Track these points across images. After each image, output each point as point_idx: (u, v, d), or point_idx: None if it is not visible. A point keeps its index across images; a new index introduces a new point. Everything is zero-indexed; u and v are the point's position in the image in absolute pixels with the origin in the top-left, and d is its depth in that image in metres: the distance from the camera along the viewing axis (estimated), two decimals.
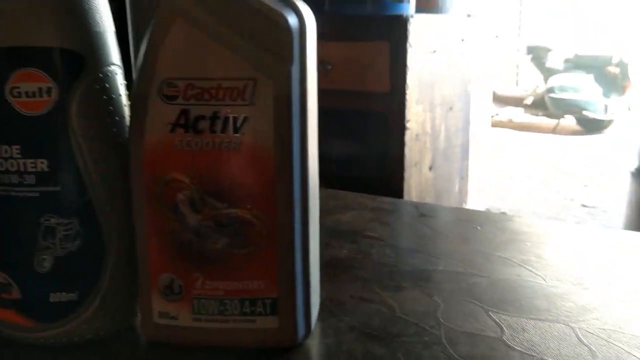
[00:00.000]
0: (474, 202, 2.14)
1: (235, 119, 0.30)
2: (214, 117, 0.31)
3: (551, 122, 5.02)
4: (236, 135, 0.31)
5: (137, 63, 0.31)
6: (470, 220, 0.58)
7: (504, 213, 2.85)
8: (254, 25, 0.30)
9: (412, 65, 1.46)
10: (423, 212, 0.61)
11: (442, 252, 0.50)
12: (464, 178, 1.90)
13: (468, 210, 0.62)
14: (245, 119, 0.30)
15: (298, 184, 0.32)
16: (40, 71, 0.31)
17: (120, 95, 0.34)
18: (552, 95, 5.16)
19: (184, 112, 0.31)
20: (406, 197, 1.51)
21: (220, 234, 0.32)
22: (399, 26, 1.44)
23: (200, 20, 0.30)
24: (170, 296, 0.33)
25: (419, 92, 1.50)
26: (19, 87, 0.31)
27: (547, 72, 5.42)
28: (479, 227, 0.55)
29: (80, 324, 0.34)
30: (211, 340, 0.34)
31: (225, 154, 0.31)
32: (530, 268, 0.45)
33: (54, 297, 0.33)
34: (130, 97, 0.32)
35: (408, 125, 1.48)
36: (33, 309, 0.34)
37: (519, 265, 0.46)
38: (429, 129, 1.59)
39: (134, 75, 0.33)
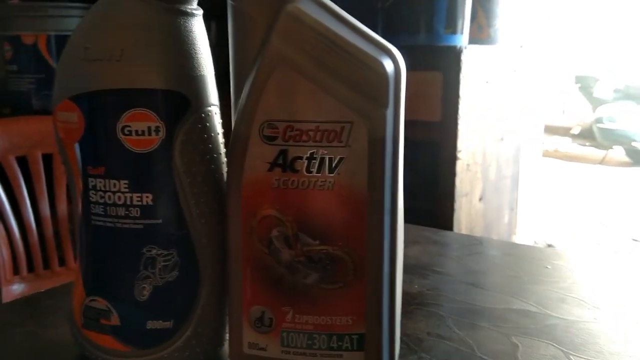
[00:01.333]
0: (522, 234, 2.10)
1: (331, 160, 0.32)
2: (311, 158, 0.32)
3: (599, 153, 4.90)
4: (331, 175, 0.32)
5: (238, 104, 0.33)
6: (538, 258, 0.58)
7: (551, 246, 2.78)
8: (353, 72, 0.31)
9: (465, 95, 1.46)
10: (489, 248, 0.61)
11: (513, 290, 0.50)
12: (513, 209, 1.87)
13: (535, 247, 0.62)
14: (340, 159, 0.32)
15: (388, 223, 0.33)
16: (149, 111, 0.33)
17: (218, 133, 0.36)
18: (600, 125, 5.04)
19: (282, 152, 0.32)
20: (456, 228, 1.50)
21: (312, 269, 0.33)
22: (452, 57, 1.44)
23: (302, 67, 0.31)
24: (260, 328, 0.35)
25: (470, 122, 1.50)
26: (130, 126, 0.33)
27: (596, 102, 5.32)
28: (549, 266, 0.54)
29: (173, 351, 0.35)
30: None
31: (319, 192, 0.32)
32: (606, 310, 0.45)
33: (151, 325, 0.35)
34: (231, 136, 0.34)
35: (459, 155, 1.48)
36: (130, 335, 0.35)
37: (594, 307, 0.46)
38: (480, 160, 1.58)
39: (233, 115, 0.35)
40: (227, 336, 0.38)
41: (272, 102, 0.32)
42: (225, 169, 0.37)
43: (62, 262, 1.39)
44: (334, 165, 0.32)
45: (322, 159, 0.32)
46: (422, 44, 1.50)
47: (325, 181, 0.32)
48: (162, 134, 0.33)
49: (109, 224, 0.34)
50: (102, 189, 0.34)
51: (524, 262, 0.57)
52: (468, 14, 1.50)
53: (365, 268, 0.33)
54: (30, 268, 1.33)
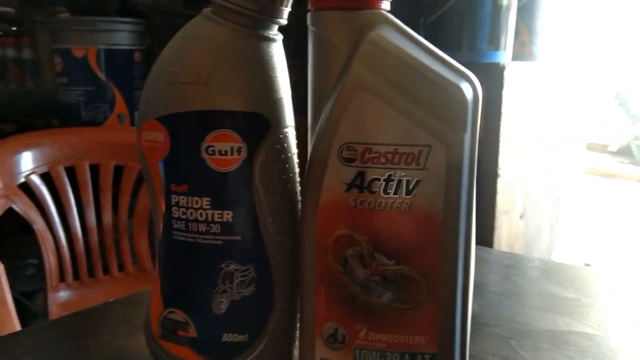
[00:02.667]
0: (561, 252, 2.07)
1: (408, 182, 0.33)
2: (388, 180, 0.33)
3: (638, 171, 4.79)
4: (408, 197, 0.33)
5: (315, 126, 0.35)
6: (594, 280, 0.57)
7: (588, 265, 2.73)
8: (432, 96, 0.32)
9: (507, 112, 1.45)
10: (544, 268, 0.61)
11: (572, 312, 0.50)
12: (553, 227, 1.85)
13: (589, 268, 0.61)
14: (417, 182, 0.33)
15: (462, 245, 0.34)
16: (232, 132, 0.34)
17: (293, 154, 0.37)
18: (639, 142, 4.93)
19: (360, 174, 0.33)
20: (496, 246, 1.49)
21: (386, 288, 0.34)
22: (495, 73, 1.44)
23: (382, 92, 0.32)
24: (333, 344, 0.35)
25: (512, 139, 1.49)
26: (213, 146, 0.34)
27: (635, 119, 5.21)
28: (604, 288, 0.54)
29: None
30: None
31: (396, 214, 0.33)
32: None
33: (227, 337, 0.36)
34: (308, 157, 0.35)
35: (500, 172, 1.47)
36: (206, 348, 0.37)
37: None
38: (521, 177, 1.57)
39: (310, 137, 0.36)
40: (295, 352, 0.39)
41: (352, 125, 0.33)
42: (299, 188, 0.38)
43: (106, 270, 1.43)
44: (410, 187, 0.33)
45: (399, 181, 0.33)
46: (464, 60, 1.49)
47: (402, 202, 0.33)
48: (243, 154, 0.35)
49: (189, 239, 0.36)
50: (185, 205, 0.35)
51: (580, 283, 0.57)
52: (512, 31, 1.49)
53: (439, 289, 0.34)
54: (76, 276, 1.37)
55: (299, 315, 0.37)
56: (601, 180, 4.59)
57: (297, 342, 0.38)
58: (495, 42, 1.50)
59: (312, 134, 0.36)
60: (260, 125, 0.35)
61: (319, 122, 0.34)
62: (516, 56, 1.56)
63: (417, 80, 0.32)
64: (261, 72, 0.35)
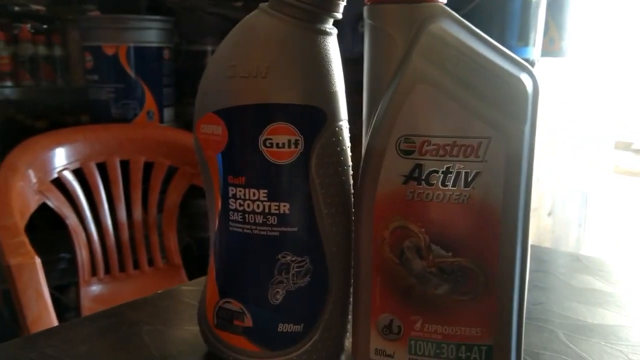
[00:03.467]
0: (589, 250, 2.04)
1: (467, 174, 0.33)
2: (447, 172, 0.33)
3: None
4: (466, 189, 0.33)
5: (371, 119, 0.35)
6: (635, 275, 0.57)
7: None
8: (493, 88, 0.32)
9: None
10: (585, 263, 0.61)
11: (621, 307, 0.49)
12: (581, 225, 1.83)
13: (630, 264, 0.61)
14: (476, 174, 0.33)
15: (520, 236, 0.34)
16: (290, 125, 0.35)
17: (347, 147, 0.37)
18: None
19: (418, 166, 0.33)
20: None
21: (443, 280, 0.34)
22: None
23: (442, 84, 0.32)
24: (388, 335, 0.36)
25: (541, 136, 1.48)
26: (271, 139, 0.35)
27: None
28: None
29: (301, 354, 0.37)
30: None
31: (454, 206, 0.33)
32: None
33: (282, 328, 0.37)
34: (364, 149, 0.35)
35: None
36: (262, 337, 0.37)
37: None
38: (549, 174, 1.55)
39: (365, 130, 0.36)
40: (347, 342, 0.39)
41: (410, 117, 0.33)
42: (351, 181, 0.38)
43: (136, 265, 1.44)
44: (469, 179, 0.33)
45: (458, 173, 0.33)
46: None
47: (460, 195, 0.33)
48: (300, 146, 0.35)
49: (246, 231, 0.36)
50: (242, 197, 0.36)
51: (620, 277, 0.56)
52: (541, 27, 1.48)
53: (496, 281, 0.34)
54: (106, 270, 1.39)
55: (351, 306, 0.37)
56: (626, 178, 4.52)
57: (348, 333, 0.39)
58: (524, 38, 1.49)
59: (367, 127, 0.36)
60: (317, 118, 0.35)
61: (376, 115, 0.34)
62: (545, 52, 1.55)
63: (477, 72, 0.32)
64: (318, 66, 0.35)
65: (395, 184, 0.34)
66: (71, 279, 1.61)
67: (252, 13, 0.36)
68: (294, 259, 0.36)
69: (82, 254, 1.34)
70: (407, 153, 0.33)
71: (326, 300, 0.37)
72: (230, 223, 0.37)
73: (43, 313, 0.97)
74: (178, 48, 1.68)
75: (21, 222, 1.16)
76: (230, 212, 0.36)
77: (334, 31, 0.37)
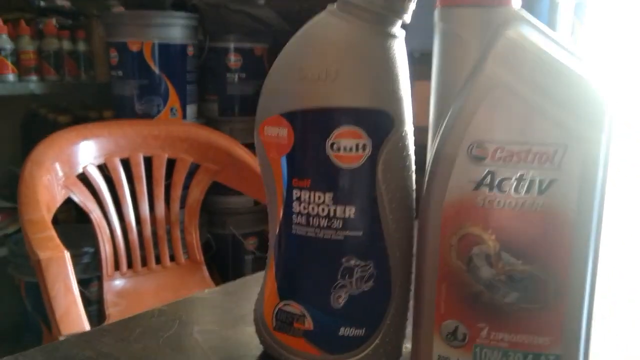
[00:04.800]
0: None
1: (541, 182, 0.32)
2: (520, 179, 0.33)
3: None
4: (540, 196, 0.33)
5: (439, 124, 0.34)
6: None
7: None
8: (570, 95, 0.32)
9: None
10: None
11: None
12: None
13: None
14: (551, 182, 0.32)
15: (593, 246, 0.33)
16: (358, 129, 0.35)
17: (411, 152, 0.37)
18: None
19: (490, 173, 0.33)
20: None
21: (512, 288, 0.34)
22: None
23: (518, 90, 0.32)
24: (452, 342, 0.35)
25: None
26: (338, 143, 0.35)
27: None
28: None
29: (362, 358, 0.37)
30: None
31: (526, 214, 0.33)
32: None
33: (343, 331, 0.37)
34: (432, 154, 0.35)
35: None
36: (322, 340, 0.37)
37: None
38: None
39: (431, 135, 0.36)
40: (404, 348, 0.39)
41: (484, 123, 0.33)
42: (414, 186, 0.38)
43: (158, 260, 1.45)
44: (543, 187, 0.32)
45: (532, 181, 0.32)
46: None
47: (533, 202, 0.33)
48: (368, 151, 0.35)
49: (310, 234, 0.36)
50: (307, 200, 0.36)
51: None
52: (568, 28, 1.47)
53: (566, 290, 0.33)
54: (129, 265, 1.40)
55: (413, 311, 0.37)
56: None
57: (405, 339, 0.38)
58: None
59: (434, 132, 0.36)
60: (384, 122, 0.35)
61: (446, 119, 0.34)
62: None
63: (555, 78, 0.32)
64: (387, 69, 0.35)
65: (465, 191, 0.34)
66: (93, 273, 1.63)
67: (320, 15, 0.36)
68: (357, 263, 0.36)
69: (106, 249, 1.35)
70: (479, 159, 0.33)
71: (388, 305, 0.37)
72: (294, 226, 0.36)
73: (71, 307, 0.98)
74: (201, 45, 1.68)
75: (48, 216, 1.16)
76: (294, 215, 0.36)
77: (402, 34, 0.36)
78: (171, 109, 1.61)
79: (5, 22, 1.56)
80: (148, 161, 1.44)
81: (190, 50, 1.62)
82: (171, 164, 1.45)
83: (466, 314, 0.35)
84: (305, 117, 0.35)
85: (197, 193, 1.48)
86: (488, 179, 0.33)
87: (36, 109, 1.79)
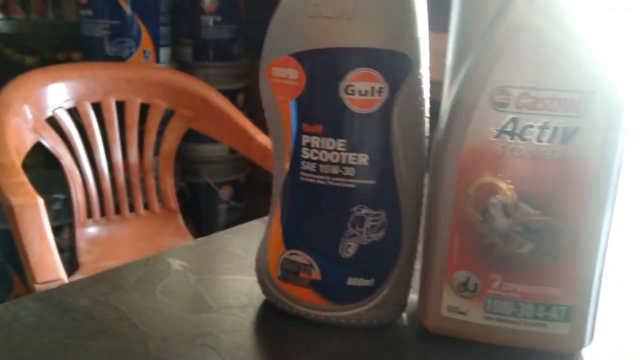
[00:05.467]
0: None
1: (565, 130, 0.31)
2: (544, 127, 0.31)
3: None
4: (562, 145, 0.32)
5: (459, 67, 0.33)
6: None
7: None
8: (600, 41, 0.30)
9: None
10: None
11: None
12: None
13: None
14: (574, 130, 0.31)
15: (611, 198, 0.33)
16: (375, 71, 0.33)
17: (426, 97, 0.36)
18: None
19: (513, 120, 0.32)
20: None
21: (528, 239, 0.33)
22: None
23: (546, 33, 0.30)
24: (463, 292, 0.35)
25: None
26: (353, 86, 0.33)
27: None
28: None
29: (370, 309, 0.36)
30: (498, 339, 0.35)
31: (547, 163, 0.32)
32: None
33: (351, 282, 0.36)
34: (452, 99, 0.33)
35: None
36: (330, 290, 0.36)
37: None
38: None
39: (448, 78, 0.34)
40: (408, 299, 0.38)
41: (508, 67, 0.31)
42: (427, 133, 0.36)
43: (132, 208, 1.42)
44: (567, 135, 0.31)
45: (555, 129, 0.31)
46: None
47: (555, 151, 0.32)
48: (384, 95, 0.33)
49: (320, 182, 0.34)
50: (317, 146, 0.34)
51: None
52: None
53: (582, 242, 0.33)
54: (102, 212, 1.37)
55: (422, 262, 0.36)
56: None
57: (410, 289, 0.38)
58: None
59: (452, 75, 0.34)
60: (402, 64, 0.33)
61: (467, 63, 0.32)
62: None
63: (585, 23, 0.30)
64: (405, 9, 0.33)
65: (485, 138, 0.32)
66: (64, 220, 1.59)
67: None
68: (369, 212, 0.35)
69: (78, 196, 1.31)
70: (502, 105, 0.32)
71: (398, 256, 0.36)
72: (302, 173, 0.35)
73: (46, 254, 0.95)
74: None
75: (18, 160, 1.12)
76: (303, 161, 0.35)
77: None
78: (144, 52, 1.54)
79: None
80: (120, 106, 1.39)
81: None
82: (144, 109, 1.40)
83: (479, 264, 0.34)
84: (317, 58, 0.33)
85: (171, 140, 1.44)
86: (510, 126, 0.32)
87: (1, 49, 1.70)
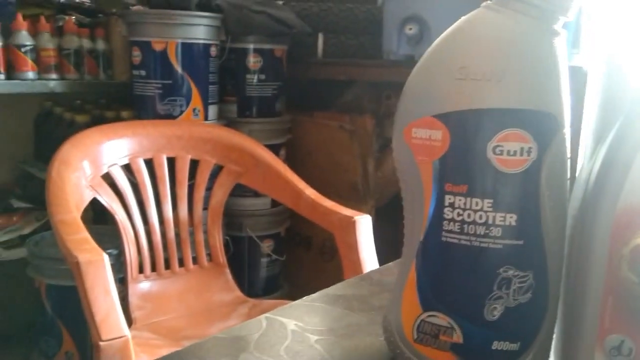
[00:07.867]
0: None
1: None
2: None
3: None
4: None
5: (609, 127, 0.33)
6: None
7: None
8: None
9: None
10: None
11: None
12: None
13: None
14: None
15: None
16: (524, 132, 0.33)
17: (569, 156, 0.35)
18: None
19: None
20: None
21: None
22: (579, 77, 1.41)
23: None
24: (617, 357, 0.34)
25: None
26: (502, 146, 0.33)
27: None
28: None
29: None
30: None
31: None
32: None
33: (497, 345, 0.35)
34: (600, 160, 0.33)
35: None
36: (473, 354, 0.35)
37: None
38: None
39: (592, 136, 0.34)
40: None
41: None
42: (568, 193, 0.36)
43: (181, 263, 1.42)
44: None
45: None
46: None
47: None
48: (533, 155, 0.33)
49: (464, 242, 0.34)
50: (462, 206, 0.34)
51: None
52: (593, 34, 1.46)
53: None
54: (152, 267, 1.37)
55: (568, 325, 0.35)
56: None
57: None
58: (579, 45, 1.47)
59: (597, 134, 0.34)
60: (550, 124, 0.33)
61: (620, 121, 0.32)
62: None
63: None
64: (552, 69, 0.33)
65: None
66: (115, 275, 1.59)
67: (476, 11, 0.34)
68: (516, 273, 0.34)
69: (131, 251, 1.32)
70: None
71: (544, 319, 0.35)
72: (444, 233, 0.35)
73: (111, 311, 0.95)
74: (222, 45, 1.66)
75: (78, 216, 1.13)
76: (445, 221, 0.34)
77: (564, 32, 0.34)
78: (194, 110, 1.58)
79: (24, 18, 1.53)
80: (171, 162, 1.41)
81: (213, 51, 1.59)
82: (194, 165, 1.42)
83: (633, 328, 0.33)
84: (464, 119, 0.33)
85: (220, 194, 1.46)
86: None
87: (51, 108, 1.75)
